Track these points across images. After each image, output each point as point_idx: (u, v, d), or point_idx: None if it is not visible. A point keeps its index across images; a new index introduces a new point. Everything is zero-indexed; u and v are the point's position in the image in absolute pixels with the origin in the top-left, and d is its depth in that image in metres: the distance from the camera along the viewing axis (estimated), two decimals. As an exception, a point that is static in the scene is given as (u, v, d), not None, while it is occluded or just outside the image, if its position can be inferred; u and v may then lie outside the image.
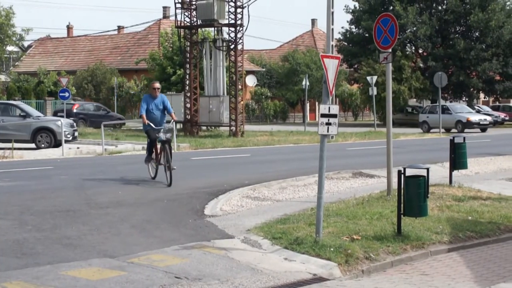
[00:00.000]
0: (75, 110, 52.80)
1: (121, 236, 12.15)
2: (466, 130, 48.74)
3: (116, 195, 16.53)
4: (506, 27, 60.62)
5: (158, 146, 18.44)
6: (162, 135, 17.83)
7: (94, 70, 67.34)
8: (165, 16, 75.58)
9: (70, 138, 32.37)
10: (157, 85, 18.76)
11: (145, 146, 25.83)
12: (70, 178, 20.03)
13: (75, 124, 34.99)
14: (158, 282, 9.31)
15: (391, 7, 61.19)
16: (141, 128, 45.12)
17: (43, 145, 31.96)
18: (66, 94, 42.04)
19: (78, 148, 31.96)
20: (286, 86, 69.68)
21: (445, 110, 49.93)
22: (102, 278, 9.42)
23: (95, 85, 66.69)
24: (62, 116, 45.63)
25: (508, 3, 63.54)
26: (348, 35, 65.82)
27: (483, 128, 51.34)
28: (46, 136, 32.16)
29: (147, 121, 18.10)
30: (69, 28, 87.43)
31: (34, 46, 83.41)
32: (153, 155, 18.79)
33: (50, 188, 17.77)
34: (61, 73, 63.30)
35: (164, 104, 18.47)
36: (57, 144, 31.50)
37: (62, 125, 30.99)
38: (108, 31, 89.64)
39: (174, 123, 19.44)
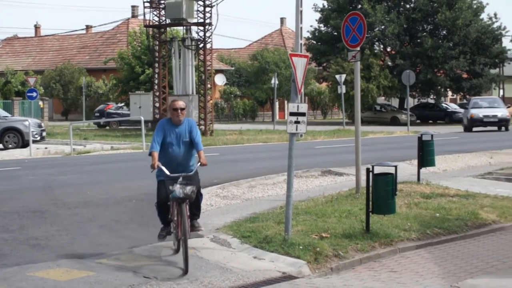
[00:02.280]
0: (108, 111, 53.61)
1: (89, 237, 12.10)
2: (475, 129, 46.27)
3: (85, 195, 16.45)
4: (473, 26, 61.08)
5: (172, 204, 10.51)
6: (177, 189, 10.09)
7: (62, 69, 66.93)
8: (134, 15, 75.29)
9: (38, 138, 32.15)
10: (181, 104, 10.74)
11: (114, 145, 24.84)
12: (38, 178, 19.90)
13: (42, 124, 34.74)
14: (127, 282, 9.28)
15: (359, 6, 61.37)
16: (112, 127, 44.36)
17: (10, 146, 31.72)
18: (34, 94, 41.77)
19: (46, 148, 31.75)
20: (255, 85, 69.70)
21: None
22: (71, 278, 9.37)
23: (63, 84, 66.30)
24: (98, 117, 45.36)
25: (474, 1, 64.03)
26: (317, 34, 65.94)
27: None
28: (13, 137, 31.92)
29: (157, 164, 10.34)
30: (36, 27, 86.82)
31: (1, 45, 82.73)
32: (171, 224, 10.90)
33: (18, 189, 17.64)
34: (29, 72, 62.82)
35: (191, 134, 10.62)
36: (24, 144, 31.28)
37: (30, 125, 30.76)
38: (76, 30, 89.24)
39: (198, 164, 10.50)
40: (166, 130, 10.63)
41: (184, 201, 10.14)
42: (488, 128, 45.31)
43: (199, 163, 10.33)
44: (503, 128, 45.08)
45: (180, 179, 10.23)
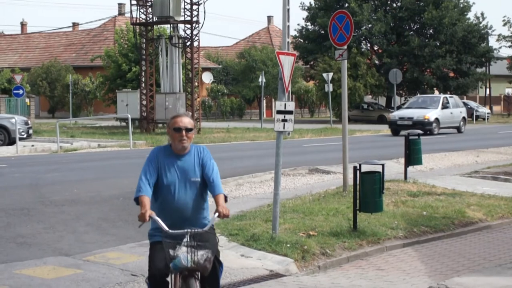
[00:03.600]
0: None
1: (76, 234, 12.07)
2: None
3: (71, 193, 16.40)
4: (459, 25, 61.33)
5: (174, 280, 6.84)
6: (183, 255, 6.57)
7: (48, 67, 66.69)
8: (121, 13, 75.12)
9: (25, 136, 32.03)
10: (186, 121, 6.97)
11: (101, 143, 24.61)
12: (24, 176, 19.83)
13: (29, 121, 34.63)
14: (115, 279, 9.26)
15: (346, 4, 61.48)
16: (99, 125, 44.00)
17: (-4, 143, 31.59)
18: (20, 92, 41.62)
19: (32, 146, 31.64)
20: (243, 83, 69.66)
21: None
22: (58, 276, 9.35)
23: (50, 82, 66.06)
24: None
25: (461, 0, 64.27)
26: (304, 32, 66.01)
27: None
28: (-1, 134, 31.80)
29: (149, 214, 6.69)
30: (23, 24, 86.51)
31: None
32: None
33: (4, 186, 17.57)
34: (15, 70, 62.63)
35: (204, 169, 6.99)
36: (11, 142, 31.16)
37: (16, 122, 30.66)
38: (63, 28, 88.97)
39: (216, 215, 6.85)
40: (162, 164, 6.81)
41: (194, 273, 6.58)
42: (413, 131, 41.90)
43: (217, 214, 6.63)
44: (428, 132, 38.07)
45: (187, 238, 6.52)
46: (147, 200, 6.65)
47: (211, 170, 6.81)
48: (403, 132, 36.47)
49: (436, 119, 39.68)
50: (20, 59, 75.81)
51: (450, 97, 43.73)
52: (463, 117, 42.88)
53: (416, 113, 39.65)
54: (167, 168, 6.80)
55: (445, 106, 40.86)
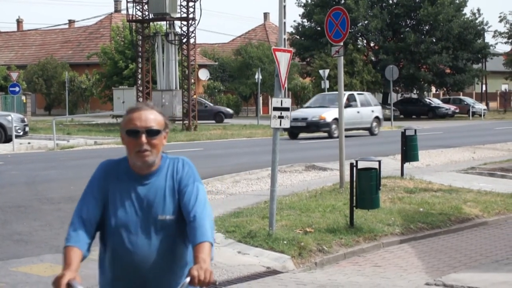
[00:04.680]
0: None
1: (73, 232, 12.03)
2: None
3: (68, 190, 16.38)
4: (455, 21, 61.38)
5: None
6: None
7: (45, 64, 66.63)
8: (117, 10, 75.03)
9: (21, 133, 31.99)
10: (150, 118, 4.07)
11: (97, 140, 24.47)
12: (21, 173, 19.81)
13: (25, 119, 34.58)
14: (111, 277, 9.25)
15: (343, 1, 61.53)
16: (95, 122, 43.91)
17: (-7, 141, 31.56)
18: (17, 89, 41.56)
19: (29, 143, 31.60)
20: (239, 80, 69.63)
21: None
22: (54, 274, 9.27)
23: (46, 79, 66.00)
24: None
25: (457, -4, 64.37)
26: (300, 29, 66.02)
27: None
28: (-4, 131, 31.76)
29: (65, 281, 4.14)
30: (19, 22, 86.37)
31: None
32: None
33: (0, 184, 17.55)
34: (11, 67, 62.53)
35: (182, 199, 4.07)
36: (7, 139, 31.11)
37: (13, 120, 30.62)
38: (59, 25, 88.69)
39: (186, 282, 3.77)
40: (112, 192, 4.21)
41: None
42: (313, 135, 35.22)
43: (189, 279, 3.82)
44: (327, 134, 34.16)
45: None
46: (74, 255, 4.23)
47: (192, 199, 4.02)
48: (304, 135, 34.45)
49: (336, 119, 31.72)
50: (16, 56, 75.71)
51: (358, 94, 38.32)
52: (376, 117, 37.06)
53: (311, 113, 34.44)
54: (119, 198, 4.08)
55: (348, 105, 34.45)
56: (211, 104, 58.67)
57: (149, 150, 4.02)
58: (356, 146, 27.34)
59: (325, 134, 34.24)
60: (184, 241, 4.11)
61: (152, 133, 4.03)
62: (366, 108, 36.31)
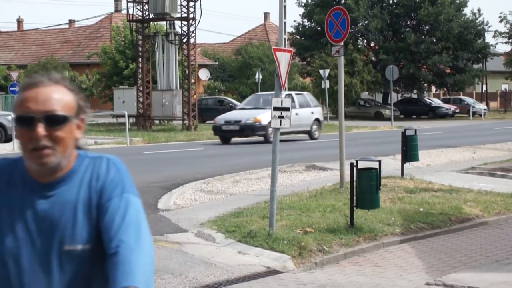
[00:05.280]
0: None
1: (73, 231, 12.04)
2: None
3: (68, 190, 16.35)
4: (455, 21, 61.38)
5: None
6: None
7: (45, 64, 66.54)
8: (117, 10, 75.00)
9: (21, 133, 31.99)
10: (51, 97, 2.69)
11: (97, 140, 24.22)
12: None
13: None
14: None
15: (343, 1, 61.55)
16: (96, 122, 44.00)
17: (-7, 140, 31.57)
18: (17, 89, 41.52)
19: (29, 143, 31.60)
20: (239, 80, 69.62)
21: None
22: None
23: (46, 79, 65.99)
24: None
25: (458, -4, 64.38)
26: (300, 29, 66.05)
27: None
28: (-4, 131, 31.77)
29: None
30: (19, 21, 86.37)
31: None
32: None
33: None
34: (12, 67, 62.53)
35: (103, 219, 2.67)
36: (7, 139, 31.14)
37: (13, 120, 30.65)
38: (59, 24, 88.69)
39: None
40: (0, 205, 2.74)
41: None
42: (248, 139, 31.61)
43: None
44: (263, 138, 30.59)
45: None
46: None
47: (117, 220, 2.69)
48: (236, 140, 30.98)
49: None
50: (17, 56, 75.71)
51: (297, 94, 34.53)
52: (316, 119, 33.62)
53: (245, 115, 31.00)
54: (7, 217, 2.76)
55: None
56: (237, 103, 57.63)
57: (51, 146, 2.67)
58: (357, 146, 27.30)
59: (261, 139, 30.64)
60: (106, 283, 2.58)
61: (54, 120, 2.67)
62: (305, 110, 32.72)
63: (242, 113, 31.54)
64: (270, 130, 28.49)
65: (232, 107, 54.17)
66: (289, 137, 31.40)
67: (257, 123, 30.34)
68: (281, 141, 25.90)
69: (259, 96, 34.60)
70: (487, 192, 16.35)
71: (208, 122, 50.01)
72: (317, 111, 34.15)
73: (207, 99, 55.72)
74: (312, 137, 33.12)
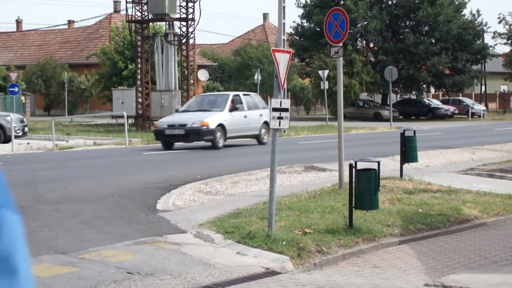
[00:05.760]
0: None
1: (72, 232, 12.05)
2: None
3: (67, 191, 16.38)
4: (454, 22, 61.37)
5: None
6: None
7: (44, 64, 66.63)
8: (116, 10, 75.02)
9: (20, 134, 31.99)
10: None
11: (96, 141, 24.07)
12: (20, 174, 19.79)
13: (25, 119, 34.58)
14: (110, 277, 9.25)
15: (342, 2, 61.56)
16: (95, 123, 44.11)
17: (-8, 141, 31.55)
18: (16, 89, 41.59)
19: (28, 143, 31.61)
20: (238, 81, 69.64)
21: None
22: (53, 274, 9.34)
23: (45, 80, 66.00)
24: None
25: (457, -3, 64.38)
26: (299, 30, 66.05)
27: None
28: (-5, 132, 31.76)
29: None
30: (18, 22, 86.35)
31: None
32: None
33: None
34: (11, 67, 62.50)
35: None
36: (7, 139, 31.12)
37: (12, 120, 30.63)
38: (58, 25, 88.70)
39: None
40: None
41: None
42: (192, 144, 28.66)
43: None
44: (210, 143, 27.86)
45: None
46: None
47: None
48: (180, 144, 28.26)
49: (221, 125, 27.90)
50: (16, 56, 75.71)
51: (245, 95, 31.70)
52: (265, 122, 29.53)
53: (190, 119, 27.91)
54: None
55: (234, 108, 29.06)
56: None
57: None
58: (356, 147, 27.29)
59: (208, 144, 28.12)
60: None
61: None
62: (254, 112, 30.20)
63: (186, 116, 28.53)
64: (218, 134, 27.56)
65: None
66: (235, 141, 29.51)
67: (204, 127, 27.29)
68: (228, 146, 25.36)
69: (202, 98, 32.34)
70: (486, 193, 16.35)
71: None
72: (266, 113, 29.26)
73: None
74: (260, 142, 30.22)
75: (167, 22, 42.88)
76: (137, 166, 21.64)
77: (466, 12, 65.20)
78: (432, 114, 63.74)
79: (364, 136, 37.47)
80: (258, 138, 30.28)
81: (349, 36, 56.28)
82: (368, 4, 61.88)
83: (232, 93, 31.02)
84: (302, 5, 65.90)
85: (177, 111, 31.73)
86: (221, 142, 27.66)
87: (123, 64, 50.90)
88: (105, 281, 9.08)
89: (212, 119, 27.59)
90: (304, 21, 66.04)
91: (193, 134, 27.35)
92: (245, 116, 29.41)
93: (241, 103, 29.85)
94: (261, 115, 30.12)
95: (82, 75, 65.99)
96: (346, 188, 13.98)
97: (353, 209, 11.94)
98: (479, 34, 66.31)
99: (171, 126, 27.78)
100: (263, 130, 30.26)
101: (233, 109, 28.82)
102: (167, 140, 28.16)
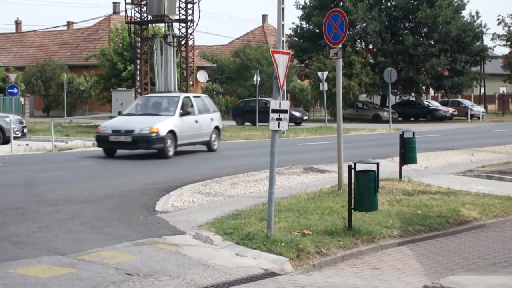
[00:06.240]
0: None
1: (71, 233, 12.05)
2: None
3: (66, 192, 16.38)
4: (453, 23, 61.32)
5: None
6: None
7: (43, 66, 66.57)
8: (115, 12, 74.98)
9: (19, 135, 31.97)
10: None
11: (96, 142, 23.57)
12: (19, 175, 19.78)
13: (24, 120, 34.56)
14: (109, 279, 9.25)
15: (341, 3, 61.49)
16: (94, 124, 43.99)
17: (-9, 142, 31.51)
18: (15, 90, 41.56)
19: (27, 145, 31.57)
20: (238, 82, 69.60)
21: None
22: (52, 275, 9.34)
23: (45, 81, 65.95)
24: None
25: (455, -1, 64.31)
26: (299, 31, 66.00)
27: None
28: (-6, 133, 31.72)
29: None
30: (17, 23, 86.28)
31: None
32: None
33: (-1, 186, 17.54)
34: (10, 69, 62.44)
35: None
36: (6, 140, 31.09)
37: (11, 121, 30.61)
38: (58, 26, 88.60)
39: None
40: None
41: None
42: (130, 151, 25.46)
43: None
44: (160, 152, 24.41)
45: None
46: None
47: None
48: (125, 152, 25.27)
49: (171, 132, 24.64)
50: (15, 58, 75.68)
51: (195, 96, 28.51)
52: (216, 127, 27.51)
53: (138, 124, 24.60)
54: None
55: (186, 112, 25.85)
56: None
57: None
58: (355, 148, 27.29)
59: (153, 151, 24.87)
60: None
61: None
62: (205, 116, 27.09)
63: (133, 121, 25.15)
64: (169, 142, 24.40)
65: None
66: (182, 148, 25.81)
67: (154, 134, 24.09)
68: (179, 153, 24.32)
69: (149, 100, 28.21)
70: (485, 194, 16.36)
71: (246, 123, 50.46)
72: (217, 118, 28.13)
73: (249, 101, 55.52)
74: (210, 149, 27.11)
75: (166, 24, 42.82)
76: (136, 167, 21.64)
77: (465, 13, 65.16)
78: (431, 116, 63.71)
79: (363, 138, 37.46)
80: (208, 144, 27.08)
81: (348, 38, 56.30)
82: (367, 5, 61.85)
83: (182, 95, 27.51)
84: (301, 6, 65.87)
85: (119, 113, 27.80)
86: (171, 151, 24.59)
87: (122, 65, 50.89)
88: (104, 282, 9.08)
89: (162, 125, 24.49)
90: (303, 22, 65.99)
91: (141, 141, 24.26)
92: (196, 121, 26.27)
93: (192, 106, 26.65)
94: (212, 119, 27.45)
95: (81, 76, 65.95)
96: (345, 190, 13.99)
97: (352, 210, 11.95)
98: (478, 36, 66.27)
99: (116, 132, 24.60)
100: (214, 136, 27.33)
101: (184, 113, 25.64)
102: (111, 147, 25.10)
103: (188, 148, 26.35)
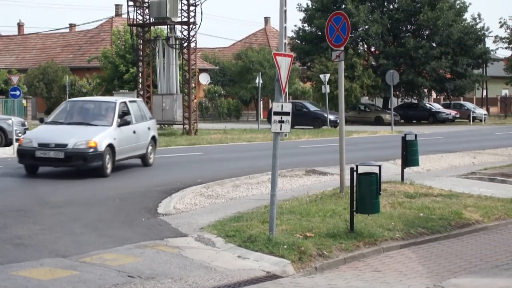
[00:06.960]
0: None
1: (73, 236, 12.05)
2: None
3: (68, 194, 16.38)
4: (455, 26, 61.28)
5: None
6: None
7: (45, 68, 66.61)
8: (118, 14, 75.04)
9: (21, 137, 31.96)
10: None
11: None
12: (21, 177, 19.77)
13: (26, 122, 34.58)
14: (111, 281, 9.25)
15: (343, 6, 61.49)
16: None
17: (-7, 144, 31.53)
18: (17, 93, 41.52)
19: (29, 147, 31.54)
20: (240, 84, 69.63)
21: None
22: (54, 278, 9.34)
23: (47, 83, 65.99)
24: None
25: (458, 1, 64.24)
26: (301, 33, 66.00)
27: None
28: (-4, 135, 31.73)
29: None
30: (20, 25, 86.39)
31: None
32: None
33: (0, 188, 17.54)
34: (12, 71, 62.49)
35: None
36: (8, 143, 31.11)
37: (13, 123, 30.63)
38: (60, 29, 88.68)
39: None
40: None
41: None
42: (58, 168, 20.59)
43: None
44: (97, 170, 19.43)
45: None
46: None
47: None
48: (49, 169, 20.50)
49: (110, 146, 19.89)
50: (17, 60, 75.73)
51: (131, 101, 22.99)
52: (153, 137, 23.08)
53: (72, 136, 19.58)
54: None
55: (124, 121, 21.03)
56: (312, 108, 55.03)
57: None
58: (357, 151, 27.27)
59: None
60: None
61: None
62: (142, 125, 22.55)
63: (63, 132, 20.13)
64: (107, 158, 19.61)
65: (306, 112, 52.47)
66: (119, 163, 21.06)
67: (91, 150, 19.24)
68: (118, 167, 21.65)
69: (77, 105, 22.31)
70: (487, 197, 16.35)
71: None
72: (153, 126, 23.86)
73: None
74: (146, 163, 22.63)
75: (168, 26, 42.83)
76: (138, 169, 21.63)
77: (467, 16, 65.17)
78: (433, 118, 63.68)
79: (365, 140, 37.44)
80: (144, 158, 22.61)
81: (350, 40, 56.25)
82: (369, 8, 61.83)
83: (119, 100, 22.09)
84: (303, 9, 65.85)
85: (42, 121, 22.69)
86: (109, 168, 19.84)
87: (125, 68, 50.95)
88: (106, 285, 9.09)
89: (100, 138, 19.69)
90: (306, 25, 65.96)
91: (76, 159, 19.30)
92: (134, 132, 21.69)
93: (129, 113, 21.71)
94: (149, 128, 23.05)
95: (84, 79, 65.97)
96: (347, 192, 13.98)
97: (354, 213, 11.95)
98: (481, 38, 66.20)
99: (43, 146, 19.43)
100: (150, 147, 22.81)
101: (122, 123, 20.91)
102: (36, 164, 20.06)
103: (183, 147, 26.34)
